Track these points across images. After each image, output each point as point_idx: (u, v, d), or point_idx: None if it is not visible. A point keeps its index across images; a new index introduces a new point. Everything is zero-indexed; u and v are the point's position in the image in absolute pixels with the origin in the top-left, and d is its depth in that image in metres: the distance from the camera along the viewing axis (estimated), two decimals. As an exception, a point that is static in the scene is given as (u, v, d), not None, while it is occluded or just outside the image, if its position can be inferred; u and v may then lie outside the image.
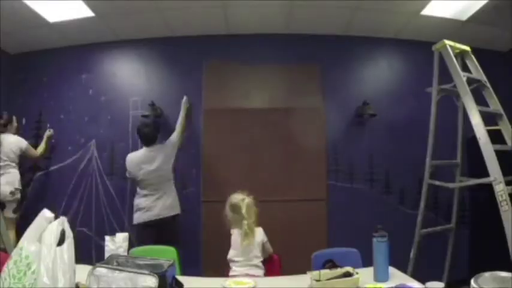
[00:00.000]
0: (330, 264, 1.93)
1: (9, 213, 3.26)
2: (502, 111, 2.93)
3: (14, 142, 3.41)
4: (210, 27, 3.79)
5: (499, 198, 2.50)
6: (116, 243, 1.73)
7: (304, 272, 1.79)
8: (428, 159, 3.22)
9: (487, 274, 1.20)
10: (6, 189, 3.27)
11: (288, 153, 3.74)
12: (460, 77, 2.80)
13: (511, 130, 2.88)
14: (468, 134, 3.71)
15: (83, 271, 1.34)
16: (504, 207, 2.47)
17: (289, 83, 3.87)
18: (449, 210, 3.42)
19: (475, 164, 3.69)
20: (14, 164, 3.38)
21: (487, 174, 3.51)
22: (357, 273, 1.71)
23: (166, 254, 2.30)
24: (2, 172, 3.30)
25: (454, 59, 2.88)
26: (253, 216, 2.45)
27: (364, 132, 3.74)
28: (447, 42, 2.96)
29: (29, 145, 3.52)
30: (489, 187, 3.40)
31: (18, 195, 3.38)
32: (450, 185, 3.05)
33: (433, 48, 3.12)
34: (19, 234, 3.19)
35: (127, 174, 3.28)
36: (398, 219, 3.52)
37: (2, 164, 3.30)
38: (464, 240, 3.59)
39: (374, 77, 3.91)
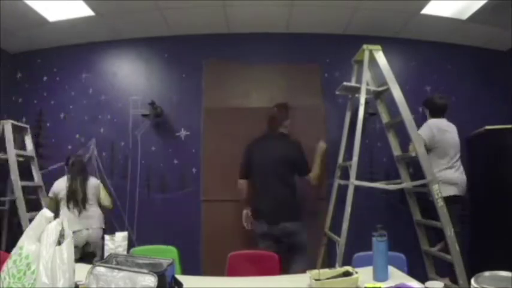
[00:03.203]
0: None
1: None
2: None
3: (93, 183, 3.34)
4: (211, 27, 3.79)
5: (435, 196, 2.80)
6: (116, 242, 1.73)
7: (304, 272, 1.79)
8: (340, 159, 3.45)
9: (487, 273, 1.20)
10: (98, 234, 3.16)
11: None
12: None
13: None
14: (468, 133, 3.72)
15: (82, 270, 1.34)
16: (440, 203, 2.79)
17: (289, 82, 3.86)
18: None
19: (474, 163, 3.71)
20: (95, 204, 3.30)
21: (487, 172, 3.53)
22: (357, 272, 1.71)
23: (167, 254, 2.31)
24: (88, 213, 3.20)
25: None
26: None
27: (364, 131, 3.74)
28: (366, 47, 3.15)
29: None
30: (490, 188, 3.42)
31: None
32: (387, 187, 3.14)
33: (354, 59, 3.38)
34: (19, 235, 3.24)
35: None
36: (399, 219, 3.51)
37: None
38: (464, 240, 3.59)
39: (374, 76, 3.91)
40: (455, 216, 2.92)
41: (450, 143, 3.18)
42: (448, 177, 3.09)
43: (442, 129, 3.19)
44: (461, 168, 3.21)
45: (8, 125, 3.47)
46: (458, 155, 3.21)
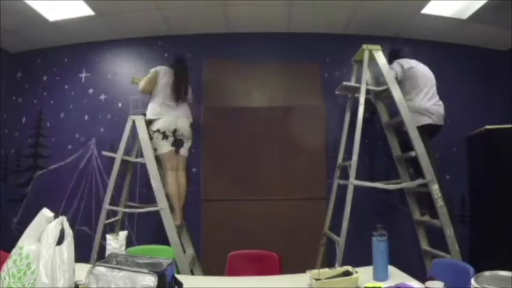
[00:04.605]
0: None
1: (185, 151, 3.28)
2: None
3: None
4: (211, 26, 3.79)
5: (435, 196, 2.79)
6: (119, 241, 1.72)
7: (304, 272, 1.79)
8: (339, 159, 3.45)
9: (487, 273, 1.20)
10: (187, 122, 3.18)
11: (288, 152, 3.73)
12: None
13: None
14: (468, 133, 3.72)
15: (82, 270, 1.34)
16: (439, 203, 2.79)
17: (289, 82, 3.87)
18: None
19: (474, 163, 3.71)
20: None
21: (487, 172, 3.52)
22: (356, 272, 1.71)
23: (162, 253, 2.30)
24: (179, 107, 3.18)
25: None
26: None
27: (364, 131, 3.74)
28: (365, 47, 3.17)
29: None
30: (490, 188, 3.42)
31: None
32: (387, 187, 3.15)
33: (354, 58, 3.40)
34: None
35: None
36: (398, 218, 3.51)
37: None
38: (464, 240, 3.59)
39: (374, 75, 3.90)
40: (431, 148, 2.96)
41: (418, 73, 3.21)
42: (420, 106, 3.08)
43: (409, 62, 3.25)
44: (437, 99, 3.19)
45: (141, 122, 3.02)
46: (433, 88, 3.21)
